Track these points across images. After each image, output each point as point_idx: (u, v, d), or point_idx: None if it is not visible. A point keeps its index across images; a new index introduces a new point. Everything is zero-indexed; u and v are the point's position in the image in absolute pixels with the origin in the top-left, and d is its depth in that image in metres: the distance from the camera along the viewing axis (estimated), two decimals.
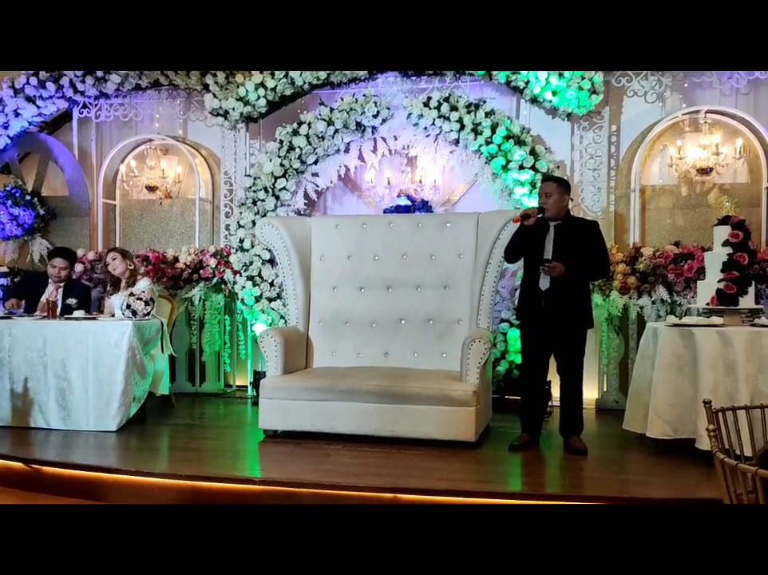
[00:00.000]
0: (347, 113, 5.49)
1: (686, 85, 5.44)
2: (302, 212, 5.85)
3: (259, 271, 5.70)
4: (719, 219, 4.18)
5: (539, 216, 3.97)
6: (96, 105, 6.38)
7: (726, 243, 4.03)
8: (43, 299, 5.29)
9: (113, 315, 4.95)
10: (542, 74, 5.19)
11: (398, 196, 5.79)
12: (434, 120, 5.35)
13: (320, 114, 5.56)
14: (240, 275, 5.71)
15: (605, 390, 5.39)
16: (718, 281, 3.98)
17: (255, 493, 3.44)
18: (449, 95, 5.38)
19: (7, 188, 6.27)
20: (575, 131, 5.52)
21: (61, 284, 5.34)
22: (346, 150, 5.73)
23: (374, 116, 5.49)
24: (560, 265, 3.89)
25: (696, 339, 3.70)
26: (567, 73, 5.14)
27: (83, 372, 4.52)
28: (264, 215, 5.62)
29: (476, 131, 5.28)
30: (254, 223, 5.56)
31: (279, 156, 5.63)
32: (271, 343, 4.43)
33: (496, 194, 5.45)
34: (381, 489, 3.33)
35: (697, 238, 5.27)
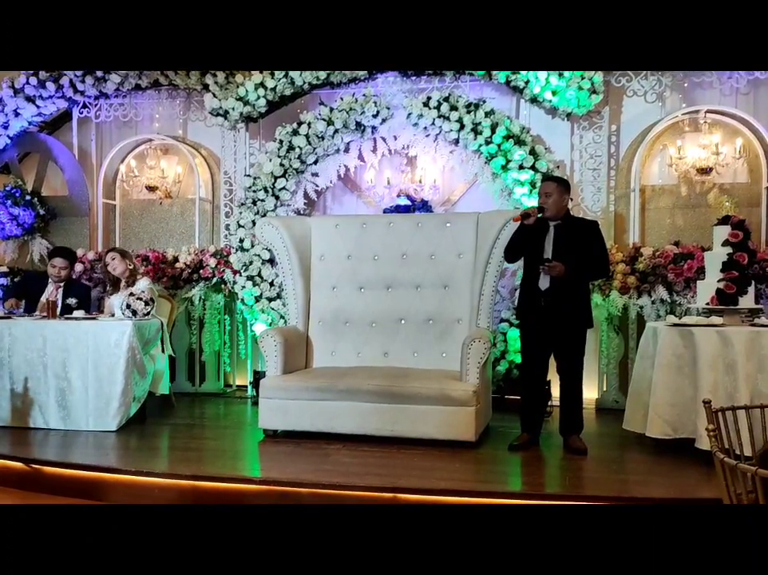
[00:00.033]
0: (347, 112, 5.49)
1: (686, 84, 5.44)
2: (301, 212, 5.85)
3: (259, 271, 5.70)
4: (719, 219, 4.18)
5: (539, 215, 3.98)
6: (96, 105, 6.38)
7: (725, 243, 4.03)
8: (43, 298, 5.29)
9: (113, 315, 4.95)
10: (542, 74, 5.18)
11: (398, 195, 5.79)
12: (434, 120, 5.35)
13: (320, 114, 5.56)
14: (240, 275, 5.71)
15: (605, 389, 5.39)
16: (718, 281, 3.98)
17: (255, 493, 3.44)
18: (449, 95, 5.38)
19: (7, 188, 6.27)
20: (574, 131, 5.52)
21: (61, 284, 5.34)
22: (346, 150, 5.73)
23: (374, 116, 5.49)
24: (560, 265, 3.89)
25: (696, 339, 3.71)
26: (567, 73, 5.14)
27: (83, 372, 4.52)
28: (264, 215, 5.62)
29: (475, 131, 5.28)
30: (254, 223, 5.56)
31: (279, 156, 5.63)
32: (271, 342, 4.44)
33: (496, 194, 5.45)
34: (381, 488, 3.33)
35: (697, 238, 5.27)
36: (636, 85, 5.44)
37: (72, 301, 5.09)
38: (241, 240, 5.73)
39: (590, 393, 5.13)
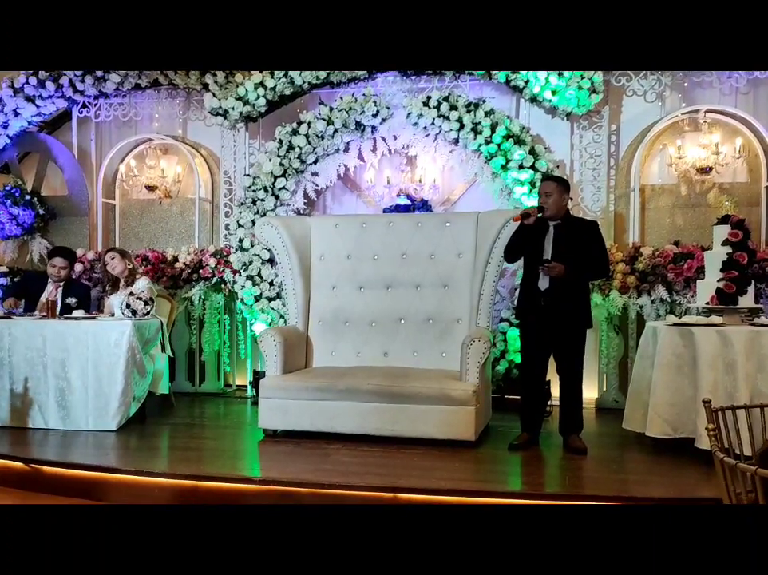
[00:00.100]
0: (347, 112, 5.49)
1: (685, 84, 5.44)
2: (301, 212, 5.85)
3: (259, 271, 5.70)
4: (719, 218, 4.18)
5: (538, 215, 3.98)
6: (95, 105, 6.38)
7: (725, 243, 4.03)
8: (43, 298, 5.29)
9: (113, 315, 4.95)
10: (541, 74, 5.18)
11: (398, 195, 5.79)
12: (434, 119, 5.35)
13: (320, 114, 5.56)
14: (240, 275, 5.71)
15: (605, 389, 5.39)
16: (718, 280, 3.98)
17: (255, 493, 3.44)
18: (449, 94, 5.38)
19: (7, 188, 6.27)
20: (574, 130, 5.52)
21: (61, 284, 5.34)
22: (346, 150, 5.73)
23: (374, 116, 5.49)
24: (560, 265, 3.89)
25: (696, 339, 3.71)
26: (566, 73, 5.14)
27: (83, 372, 4.51)
28: (264, 214, 5.62)
29: (475, 130, 5.28)
30: (253, 222, 5.56)
31: (279, 156, 5.63)
32: (271, 342, 4.44)
33: (496, 193, 5.45)
34: (381, 488, 3.33)
35: (696, 237, 5.27)
36: (636, 84, 5.44)
37: (71, 301, 5.09)
38: (241, 240, 5.72)
39: (590, 393, 5.13)
